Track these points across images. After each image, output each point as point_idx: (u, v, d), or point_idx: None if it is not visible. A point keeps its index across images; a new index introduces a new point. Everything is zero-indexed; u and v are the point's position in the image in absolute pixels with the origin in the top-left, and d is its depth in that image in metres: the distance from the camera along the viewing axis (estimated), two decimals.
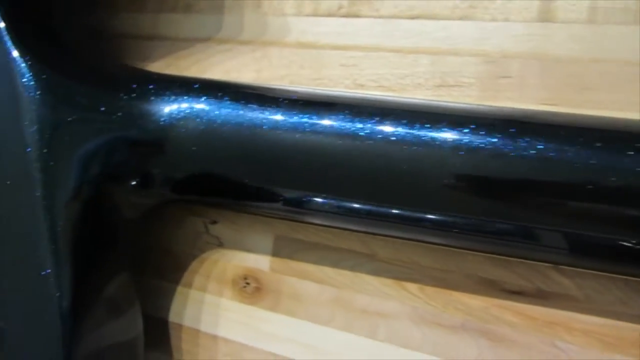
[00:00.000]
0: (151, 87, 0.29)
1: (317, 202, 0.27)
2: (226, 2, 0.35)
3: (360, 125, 0.25)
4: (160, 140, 0.28)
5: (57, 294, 0.27)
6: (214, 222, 0.34)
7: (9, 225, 0.28)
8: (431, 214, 0.24)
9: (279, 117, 0.27)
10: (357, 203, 0.26)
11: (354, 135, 0.25)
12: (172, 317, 0.35)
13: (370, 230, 0.28)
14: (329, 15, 0.32)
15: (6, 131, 0.28)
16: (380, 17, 0.30)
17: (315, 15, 0.32)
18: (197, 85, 0.29)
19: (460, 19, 0.28)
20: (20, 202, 0.28)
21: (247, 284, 0.33)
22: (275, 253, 0.33)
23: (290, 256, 0.32)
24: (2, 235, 0.28)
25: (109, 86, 0.30)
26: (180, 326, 0.35)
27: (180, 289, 0.35)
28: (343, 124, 0.26)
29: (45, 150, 0.28)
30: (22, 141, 0.28)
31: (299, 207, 0.28)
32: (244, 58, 0.34)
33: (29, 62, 0.29)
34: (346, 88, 0.31)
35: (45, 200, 0.27)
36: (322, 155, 0.26)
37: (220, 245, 0.34)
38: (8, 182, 0.28)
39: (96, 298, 0.29)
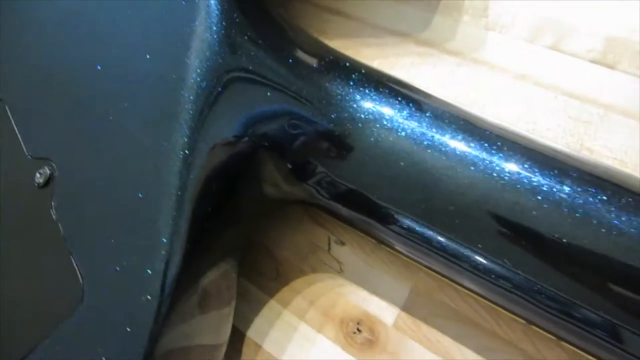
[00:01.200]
0: (354, 74, 0.24)
1: (486, 258, 0.21)
2: (442, 2, 0.29)
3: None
4: (342, 135, 0.23)
5: (163, 267, 0.21)
6: (342, 244, 0.28)
7: (135, 176, 0.23)
8: None
9: (466, 150, 0.21)
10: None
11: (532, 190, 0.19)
12: (252, 334, 0.29)
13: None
14: (572, 54, 0.26)
15: (166, 64, 0.23)
16: None
17: (553, 49, 0.26)
18: (405, 91, 0.23)
19: None
20: (154, 148, 0.22)
21: (359, 330, 0.27)
22: (407, 308, 0.26)
23: (425, 318, 0.26)
24: (124, 186, 0.23)
25: (296, 51, 0.25)
26: (258, 347, 0.29)
27: (272, 303, 0.29)
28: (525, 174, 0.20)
29: (207, 97, 0.22)
30: (182, 79, 0.23)
31: (460, 261, 0.22)
32: (442, 68, 0.28)
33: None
34: (569, 148, 0.25)
35: (186, 151, 0.22)
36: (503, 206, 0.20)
37: (340, 272, 0.28)
38: (149, 124, 0.23)
39: (198, 283, 0.23)
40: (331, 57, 0.25)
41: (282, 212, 0.29)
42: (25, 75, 0.25)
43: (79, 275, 0.21)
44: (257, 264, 0.30)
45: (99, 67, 0.24)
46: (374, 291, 0.27)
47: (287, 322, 0.28)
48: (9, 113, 0.25)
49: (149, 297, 0.20)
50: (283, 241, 0.30)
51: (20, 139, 0.24)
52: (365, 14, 0.31)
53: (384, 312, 0.27)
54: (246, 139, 0.23)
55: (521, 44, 0.27)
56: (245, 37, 0.23)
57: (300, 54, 0.24)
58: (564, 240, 0.19)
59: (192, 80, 0.22)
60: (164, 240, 0.21)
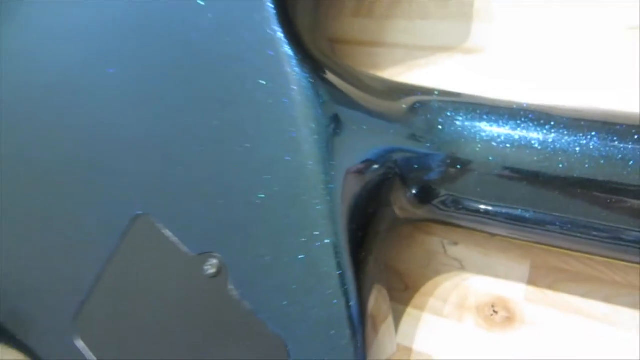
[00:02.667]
0: (445, 104, 0.27)
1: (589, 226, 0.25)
2: (474, 9, 0.33)
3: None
4: (452, 159, 0.26)
5: (343, 302, 0.25)
6: (455, 244, 0.32)
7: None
8: None
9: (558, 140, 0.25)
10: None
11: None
12: (400, 340, 0.33)
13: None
14: None
15: (277, 147, 0.27)
16: None
17: None
18: (489, 104, 0.27)
19: None
20: (301, 219, 0.26)
21: (495, 312, 0.31)
22: (532, 282, 0.30)
23: (550, 286, 0.30)
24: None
25: (381, 94, 0.29)
26: (410, 350, 0.33)
27: (409, 310, 0.33)
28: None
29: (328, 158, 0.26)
30: (300, 163, 0.27)
31: (576, 232, 0.26)
32: (489, 71, 0.32)
33: (303, 62, 0.28)
34: None
35: (330, 198, 0.26)
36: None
37: (462, 268, 0.32)
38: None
39: (368, 309, 0.27)
40: (419, 93, 0.29)
41: (396, 232, 0.33)
42: (166, 184, 0.29)
43: (281, 339, 0.25)
44: (385, 279, 0.34)
45: (227, 165, 0.28)
46: (498, 275, 0.31)
47: (429, 323, 0.32)
48: (158, 223, 0.29)
49: (344, 334, 0.25)
50: (402, 256, 0.34)
51: (179, 242, 0.28)
52: (407, 39, 0.34)
53: (513, 290, 0.31)
54: (375, 168, 0.27)
55: None
56: (343, 104, 0.27)
57: (398, 104, 0.28)
58: None
59: (311, 163, 0.26)
60: (336, 280, 0.25)
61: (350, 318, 0.25)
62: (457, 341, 0.32)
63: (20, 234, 0.34)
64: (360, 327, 0.25)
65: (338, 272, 0.25)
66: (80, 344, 0.30)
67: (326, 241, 0.26)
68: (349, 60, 0.36)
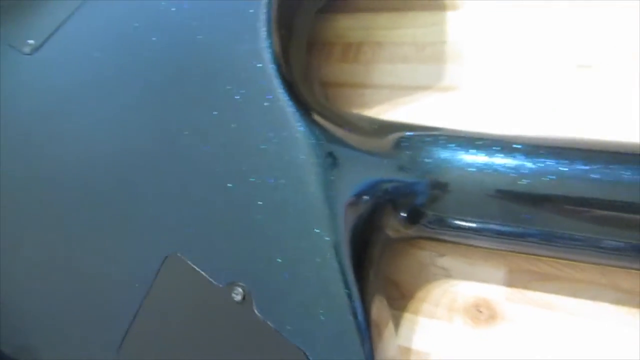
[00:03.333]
0: (433, 139, 0.33)
1: (566, 237, 0.30)
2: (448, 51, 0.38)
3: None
4: (437, 185, 0.32)
5: (352, 315, 0.30)
6: (442, 255, 0.38)
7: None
8: None
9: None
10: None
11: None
12: (400, 342, 0.38)
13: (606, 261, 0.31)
14: None
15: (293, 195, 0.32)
16: None
17: None
18: (472, 137, 0.32)
19: None
20: (314, 244, 0.31)
21: (480, 312, 0.36)
22: (510, 284, 0.35)
23: (525, 286, 0.35)
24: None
25: (370, 133, 0.34)
26: (409, 350, 0.38)
27: (406, 315, 0.38)
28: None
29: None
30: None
31: (543, 242, 0.31)
32: (465, 107, 0.37)
33: (302, 111, 0.33)
34: None
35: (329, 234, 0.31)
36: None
37: (449, 276, 0.37)
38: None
39: (372, 318, 0.32)
40: (404, 130, 0.34)
41: (391, 248, 0.38)
42: (190, 225, 0.34)
43: (302, 351, 0.30)
44: (384, 290, 0.39)
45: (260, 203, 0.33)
46: (480, 280, 0.36)
47: (423, 325, 0.38)
48: (186, 259, 0.34)
49: (354, 342, 0.30)
50: (397, 269, 0.39)
51: (207, 276, 0.33)
52: (390, 80, 0.40)
53: (494, 292, 0.36)
54: (368, 199, 0.32)
55: None
56: (336, 143, 0.32)
57: (385, 140, 0.33)
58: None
59: (318, 201, 0.31)
60: (344, 298, 0.30)
61: (358, 329, 0.30)
62: (449, 339, 0.37)
63: (56, 279, 0.38)
64: (367, 335, 0.30)
65: (346, 291, 0.30)
66: None
67: (334, 265, 0.31)
68: (340, 101, 0.41)
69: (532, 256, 0.35)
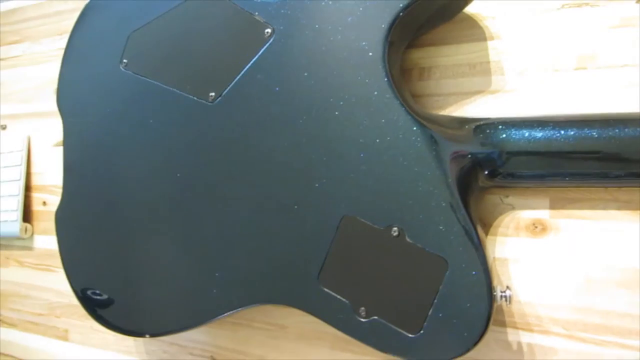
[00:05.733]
0: (494, 124, 0.54)
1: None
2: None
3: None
4: (502, 151, 0.53)
5: (467, 233, 0.52)
6: (506, 196, 0.59)
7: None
8: None
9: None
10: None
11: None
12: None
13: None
14: None
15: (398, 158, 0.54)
16: None
17: None
18: (518, 119, 0.54)
19: None
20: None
21: (536, 227, 0.58)
22: (552, 207, 0.57)
23: (563, 207, 0.57)
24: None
25: (452, 124, 0.56)
26: (493, 258, 0.60)
27: (489, 237, 0.60)
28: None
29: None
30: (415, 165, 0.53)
31: (571, 177, 0.53)
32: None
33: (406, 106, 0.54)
34: None
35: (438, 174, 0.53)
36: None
37: (513, 208, 0.59)
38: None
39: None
40: (478, 122, 0.55)
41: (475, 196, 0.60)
42: (357, 188, 0.56)
43: (442, 257, 0.52)
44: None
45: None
46: (533, 208, 0.58)
47: (500, 241, 0.59)
48: (355, 216, 0.55)
49: (473, 249, 0.51)
50: (480, 208, 0.60)
51: (372, 224, 0.54)
52: (455, 89, 0.61)
53: (543, 214, 0.58)
54: (465, 160, 0.54)
55: None
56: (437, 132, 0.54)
57: (465, 129, 0.55)
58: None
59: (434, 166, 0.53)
60: (462, 215, 0.52)
61: (472, 241, 0.51)
62: (518, 248, 0.58)
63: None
64: (479, 243, 0.52)
65: (461, 214, 0.52)
66: (326, 290, 0.56)
67: (453, 202, 0.52)
68: (421, 107, 0.62)
69: (563, 187, 0.56)
